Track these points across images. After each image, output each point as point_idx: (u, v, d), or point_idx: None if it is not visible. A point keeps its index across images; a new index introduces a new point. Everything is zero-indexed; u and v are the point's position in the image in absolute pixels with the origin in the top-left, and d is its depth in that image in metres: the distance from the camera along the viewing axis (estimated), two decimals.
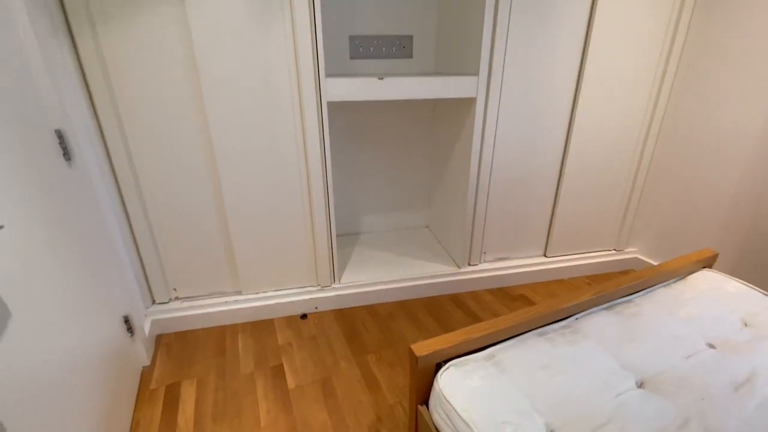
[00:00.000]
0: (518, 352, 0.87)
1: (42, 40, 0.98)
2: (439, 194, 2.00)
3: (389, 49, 1.77)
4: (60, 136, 1.01)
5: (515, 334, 0.92)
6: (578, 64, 1.52)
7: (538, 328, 0.96)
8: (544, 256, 1.89)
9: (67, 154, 1.03)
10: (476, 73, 1.44)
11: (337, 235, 2.09)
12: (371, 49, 1.75)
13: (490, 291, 1.78)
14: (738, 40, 1.41)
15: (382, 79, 1.36)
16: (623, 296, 1.09)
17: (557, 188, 1.74)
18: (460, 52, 1.58)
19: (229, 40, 1.22)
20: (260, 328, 1.55)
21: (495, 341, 0.89)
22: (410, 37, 1.77)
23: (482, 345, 0.88)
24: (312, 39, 1.26)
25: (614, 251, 1.95)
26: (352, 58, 1.75)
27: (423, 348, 0.81)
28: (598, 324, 0.98)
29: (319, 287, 1.63)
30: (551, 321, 0.98)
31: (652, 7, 1.48)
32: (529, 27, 1.42)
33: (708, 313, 1.02)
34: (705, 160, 1.58)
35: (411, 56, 1.81)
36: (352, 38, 1.71)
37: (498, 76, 1.46)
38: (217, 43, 1.21)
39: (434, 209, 2.10)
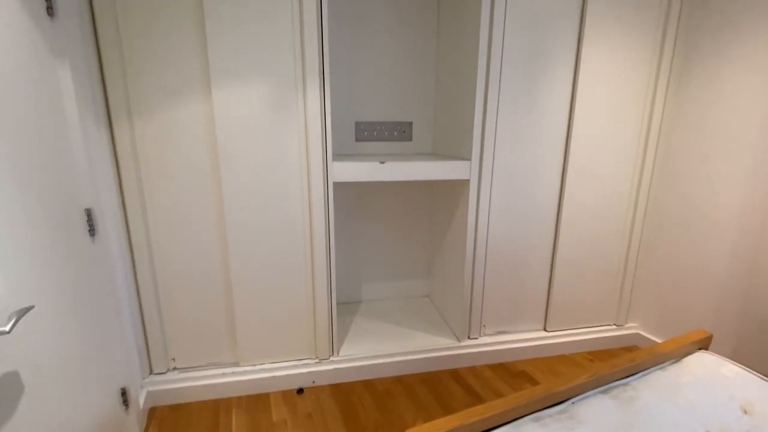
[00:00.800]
0: None
1: (86, 129, 1.12)
2: (438, 264, 2.06)
3: (391, 133, 1.95)
4: (89, 214, 1.12)
5: (511, 419, 0.92)
6: (563, 148, 1.67)
7: (534, 412, 0.96)
8: (544, 330, 1.88)
9: (92, 230, 1.12)
10: (468, 158, 1.58)
11: (338, 303, 2.12)
12: (375, 133, 1.93)
13: (491, 366, 1.76)
14: (710, 121, 1.57)
15: (383, 163, 1.50)
16: (619, 379, 1.09)
17: (552, 262, 1.80)
18: (454, 137, 1.74)
19: (249, 131, 1.37)
20: (256, 402, 1.51)
21: (490, 427, 0.89)
22: (410, 123, 1.96)
23: (477, 431, 0.88)
24: (322, 127, 1.42)
25: (615, 326, 1.94)
26: (357, 140, 1.93)
27: None
28: (595, 410, 0.98)
29: (317, 360, 1.62)
30: (547, 405, 0.98)
31: (628, 94, 1.66)
32: (516, 114, 1.58)
33: (706, 400, 1.02)
34: (692, 238, 1.66)
35: (411, 139, 1.99)
36: (357, 124, 1.90)
37: (489, 160, 1.60)
38: (238, 133, 1.37)
39: (434, 279, 2.14)
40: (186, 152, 1.37)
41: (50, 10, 1.00)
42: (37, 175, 0.88)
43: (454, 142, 1.75)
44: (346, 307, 2.09)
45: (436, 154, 1.95)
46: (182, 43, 1.30)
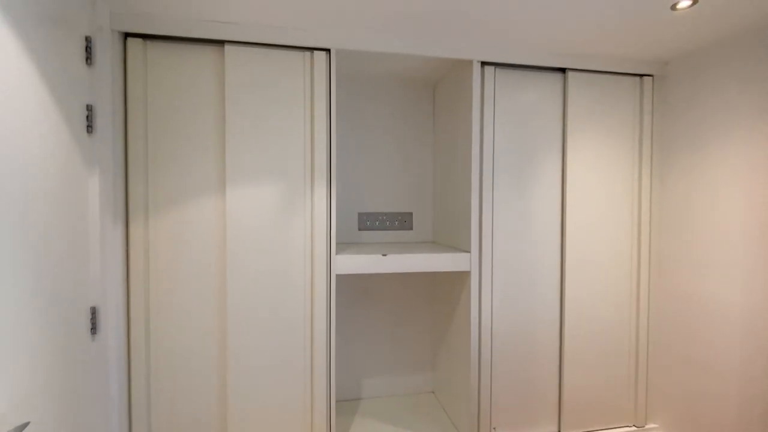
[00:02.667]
0: None
1: (104, 229, 1.19)
2: (443, 358, 1.98)
3: (392, 223, 2.03)
4: (93, 312, 1.12)
5: None
6: (559, 238, 1.73)
7: None
8: None
9: (94, 328, 1.12)
10: (468, 250, 1.63)
11: (338, 401, 1.99)
12: (377, 223, 2.01)
13: None
14: (696, 214, 1.64)
15: (385, 255, 1.55)
16: None
17: (560, 357, 1.74)
18: (453, 228, 1.81)
19: (258, 231, 1.44)
20: None
21: None
22: (410, 214, 2.06)
23: None
24: (327, 222, 1.49)
25: (635, 428, 1.80)
26: (360, 229, 2.00)
27: None
28: None
29: None
30: None
31: (616, 182, 1.76)
32: (511, 207, 1.67)
33: None
34: (699, 334, 1.62)
35: (411, 228, 2.06)
36: (360, 214, 2.00)
37: (488, 251, 1.64)
38: (247, 233, 1.43)
39: (439, 373, 2.04)
40: (195, 252, 1.42)
41: (90, 128, 1.14)
42: (53, 277, 0.92)
43: (453, 232, 1.82)
44: (346, 406, 1.96)
45: (436, 242, 2.00)
46: (203, 151, 1.43)
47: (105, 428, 1.18)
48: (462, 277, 1.70)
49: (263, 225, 1.45)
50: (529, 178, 1.70)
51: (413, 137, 2.06)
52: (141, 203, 1.38)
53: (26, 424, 0.66)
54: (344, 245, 1.86)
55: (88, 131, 1.12)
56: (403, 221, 2.05)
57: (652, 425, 1.81)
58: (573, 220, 1.71)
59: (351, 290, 2.01)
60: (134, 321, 1.37)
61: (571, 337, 1.72)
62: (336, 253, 1.53)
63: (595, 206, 1.74)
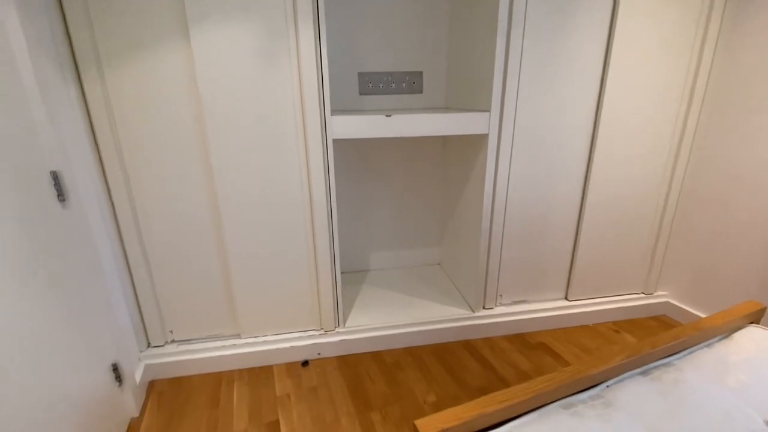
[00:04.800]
0: (540, 430, 0.75)
1: (44, 84, 0.97)
2: (451, 231, 1.91)
3: (399, 85, 1.74)
4: (55, 177, 0.99)
5: (537, 406, 0.80)
6: (596, 100, 1.45)
7: (564, 398, 0.83)
8: (566, 299, 1.75)
9: (61, 195, 1.00)
10: (488, 109, 1.38)
11: (344, 272, 2.01)
12: (381, 86, 1.73)
13: (507, 338, 1.65)
14: (763, 72, 1.33)
15: (389, 116, 1.32)
16: (660, 358, 0.96)
17: (578, 226, 1.63)
18: (470, 88, 1.53)
19: (234, 79, 1.20)
20: (258, 375, 1.45)
21: (513, 416, 0.78)
22: (420, 73, 1.75)
23: (498, 420, 0.76)
24: (318, 77, 1.24)
25: (643, 294, 1.79)
26: (361, 94, 1.73)
27: (429, 426, 0.70)
28: (634, 394, 0.85)
29: (322, 331, 1.53)
30: (579, 389, 0.85)
31: (672, 43, 1.41)
32: (542, 61, 1.36)
33: (762, 382, 0.88)
34: (736, 199, 1.46)
35: (421, 91, 1.78)
36: (361, 75, 1.70)
37: (511, 112, 1.40)
38: (222, 82, 1.19)
39: (447, 246, 2.00)
40: (168, 110, 1.21)
41: None
42: None
43: (470, 93, 1.54)
44: (353, 276, 1.98)
45: (449, 108, 1.74)
46: None
47: (104, 294, 1.16)
48: (478, 142, 1.49)
49: (239, 77, 1.20)
50: (568, 23, 1.33)
51: None
52: (90, 54, 1.13)
53: None
54: (343, 112, 1.62)
55: None
56: (411, 82, 1.75)
57: (661, 292, 1.80)
58: (617, 71, 1.41)
59: (353, 163, 1.84)
60: (115, 189, 1.25)
61: (593, 205, 1.58)
62: (332, 115, 1.30)
63: (646, 54, 1.41)
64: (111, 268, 1.23)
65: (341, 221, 1.92)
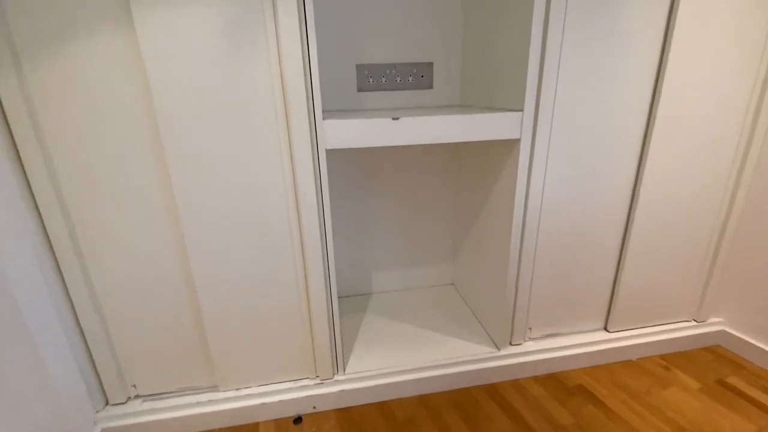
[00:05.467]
0: None
1: None
2: (467, 247, 1.64)
3: (405, 79, 1.46)
4: None
5: None
6: (649, 103, 1.18)
7: None
8: (605, 330, 1.49)
9: None
10: (520, 108, 1.11)
11: (343, 297, 1.75)
12: (383, 80, 1.45)
13: (539, 380, 1.39)
14: None
15: (397, 119, 1.04)
16: None
17: (622, 246, 1.37)
18: (495, 82, 1.26)
19: (194, 75, 0.92)
20: None
21: None
22: (430, 65, 1.47)
23: None
24: (305, 69, 0.96)
25: (694, 322, 1.53)
26: (360, 90, 1.45)
27: None
28: None
29: (317, 380, 1.27)
30: None
31: (739, 37, 1.14)
32: (587, 48, 1.09)
33: None
34: None
35: (431, 86, 1.50)
36: (360, 67, 1.42)
37: (547, 113, 1.12)
38: (179, 80, 0.91)
39: (461, 264, 1.73)
40: (109, 109, 0.94)
41: None
42: None
43: (495, 89, 1.27)
44: (353, 302, 1.72)
45: (467, 106, 1.46)
46: None
47: (35, 361, 0.89)
48: (505, 147, 1.22)
49: (201, 66, 0.92)
50: (618, 7, 1.06)
51: None
52: (3, 45, 0.85)
53: None
54: (338, 114, 1.35)
55: None
56: (419, 76, 1.47)
57: (714, 320, 1.54)
58: (677, 64, 1.13)
59: (348, 167, 1.57)
60: (47, 216, 0.98)
61: (641, 222, 1.31)
62: (324, 119, 1.03)
63: (712, 46, 1.14)
64: (43, 318, 0.96)
65: (337, 237, 1.66)
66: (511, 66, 1.14)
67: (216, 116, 0.95)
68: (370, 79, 1.44)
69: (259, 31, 0.92)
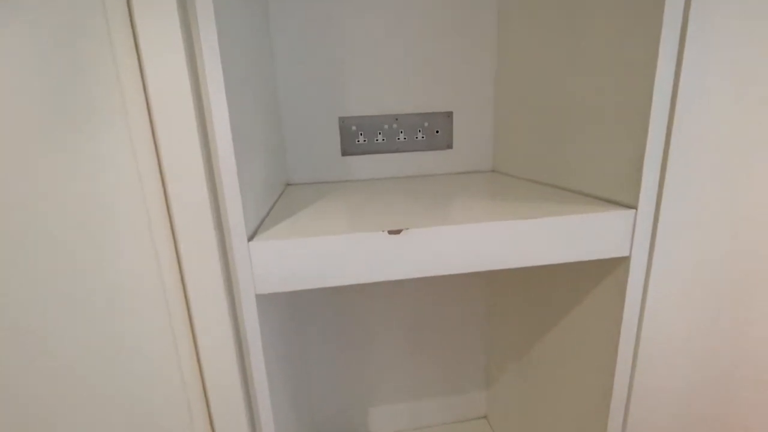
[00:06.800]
0: None
1: None
2: (511, 371, 1.09)
3: (412, 137, 0.98)
4: None
5: None
6: None
7: None
8: None
9: None
10: (633, 205, 0.59)
11: None
12: (380, 138, 0.97)
13: None
14: None
15: (398, 233, 0.53)
16: None
17: None
18: (565, 145, 0.76)
19: None
20: None
21: None
22: (449, 114, 0.99)
23: None
24: (203, 144, 0.47)
25: None
26: (345, 154, 0.97)
27: None
28: None
29: None
30: None
31: None
32: (737, 101, 0.58)
33: None
34: None
35: (450, 146, 1.01)
36: (343, 121, 0.94)
37: (674, 212, 0.60)
38: None
39: (499, 392, 1.17)
40: None
41: None
42: None
43: (559, 151, 0.77)
44: None
45: (499, 173, 0.97)
46: None
47: None
48: (595, 269, 0.70)
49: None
50: None
51: None
52: None
53: None
54: (312, 186, 0.86)
55: None
56: (433, 131, 0.99)
57: None
58: None
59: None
60: None
61: None
62: (255, 235, 0.53)
63: None
64: None
65: (321, 351, 1.12)
66: (599, 127, 0.64)
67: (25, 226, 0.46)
68: (361, 137, 0.96)
69: (106, 75, 0.44)
